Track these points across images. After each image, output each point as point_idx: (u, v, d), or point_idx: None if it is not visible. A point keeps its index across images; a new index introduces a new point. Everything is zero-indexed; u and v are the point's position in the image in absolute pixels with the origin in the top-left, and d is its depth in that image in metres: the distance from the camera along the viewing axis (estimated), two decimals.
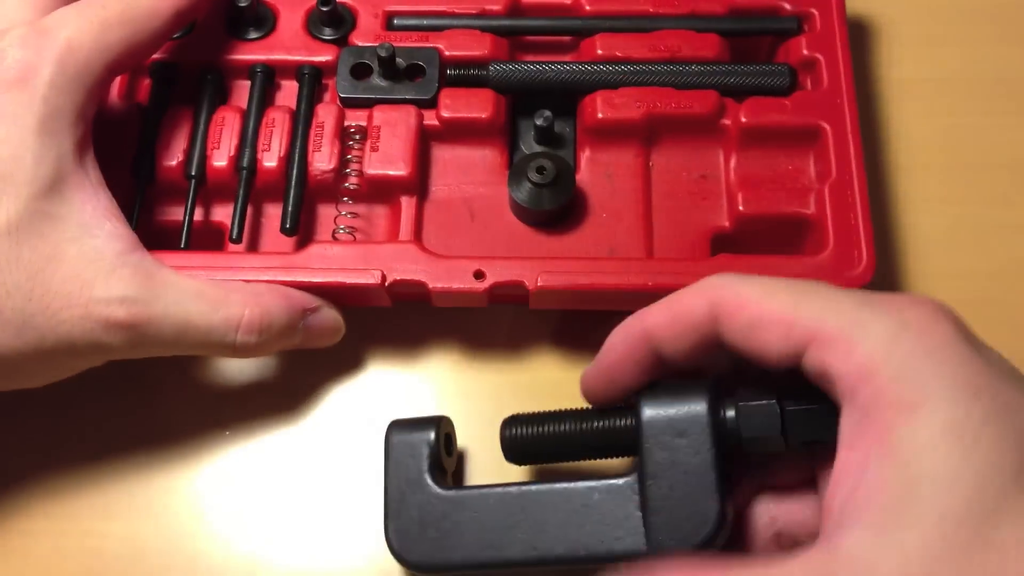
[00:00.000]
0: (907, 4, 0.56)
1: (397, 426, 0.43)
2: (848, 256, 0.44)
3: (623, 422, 0.39)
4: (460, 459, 0.46)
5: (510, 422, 0.41)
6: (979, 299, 0.48)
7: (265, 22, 0.50)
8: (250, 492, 0.46)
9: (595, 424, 0.40)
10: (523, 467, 0.44)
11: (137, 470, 0.46)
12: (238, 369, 0.48)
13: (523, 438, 0.41)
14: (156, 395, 0.48)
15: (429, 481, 0.41)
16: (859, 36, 0.54)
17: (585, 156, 0.48)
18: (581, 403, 0.41)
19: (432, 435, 0.42)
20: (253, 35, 0.50)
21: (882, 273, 0.47)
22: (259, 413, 0.47)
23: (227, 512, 0.46)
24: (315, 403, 0.48)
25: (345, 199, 0.47)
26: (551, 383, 0.48)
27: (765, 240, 0.46)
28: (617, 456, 0.41)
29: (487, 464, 0.46)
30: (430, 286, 0.44)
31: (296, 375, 0.48)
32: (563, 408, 0.41)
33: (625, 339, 0.37)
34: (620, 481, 0.39)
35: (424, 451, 0.41)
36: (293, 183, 0.46)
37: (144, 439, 0.47)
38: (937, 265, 0.50)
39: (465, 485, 0.44)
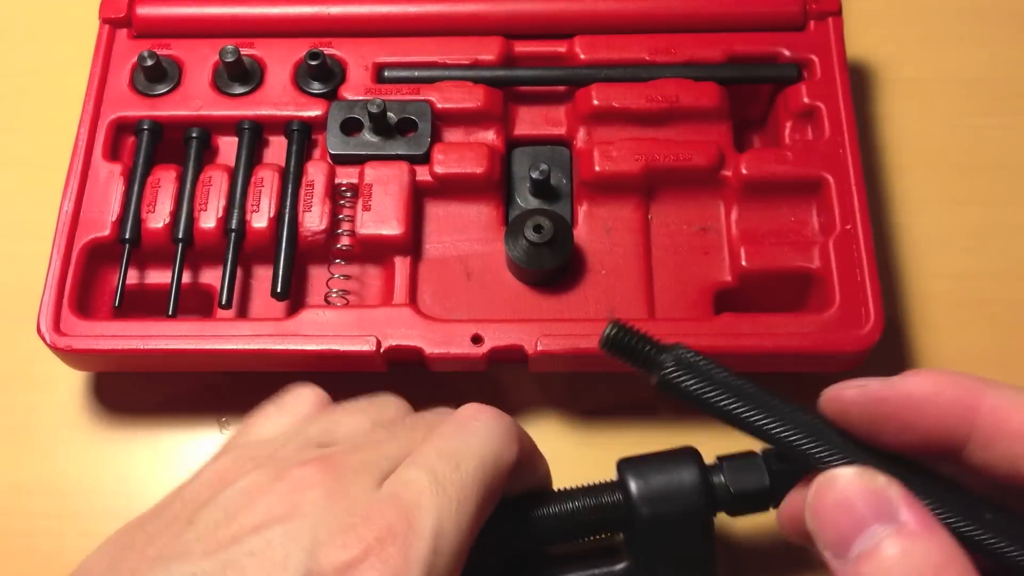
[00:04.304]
0: (907, 5, 0.56)
1: None
2: (855, 314, 0.43)
3: (610, 498, 0.35)
4: None
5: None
6: (979, 299, 0.48)
7: (252, 76, 0.48)
8: None
9: (582, 503, 0.36)
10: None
11: (137, 470, 0.46)
12: (239, 373, 0.47)
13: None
14: (156, 396, 0.47)
15: None
16: (860, 36, 0.54)
17: (583, 210, 0.47)
18: (586, 472, 0.38)
19: None
20: (240, 90, 0.48)
21: (883, 274, 0.46)
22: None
23: None
24: None
25: (337, 260, 0.46)
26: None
27: (770, 294, 0.45)
28: (601, 534, 0.36)
29: None
30: (427, 352, 0.42)
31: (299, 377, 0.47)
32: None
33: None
34: (616, 568, 0.37)
35: None
36: (283, 245, 0.44)
37: (144, 439, 0.46)
38: (937, 265, 0.49)
39: None
